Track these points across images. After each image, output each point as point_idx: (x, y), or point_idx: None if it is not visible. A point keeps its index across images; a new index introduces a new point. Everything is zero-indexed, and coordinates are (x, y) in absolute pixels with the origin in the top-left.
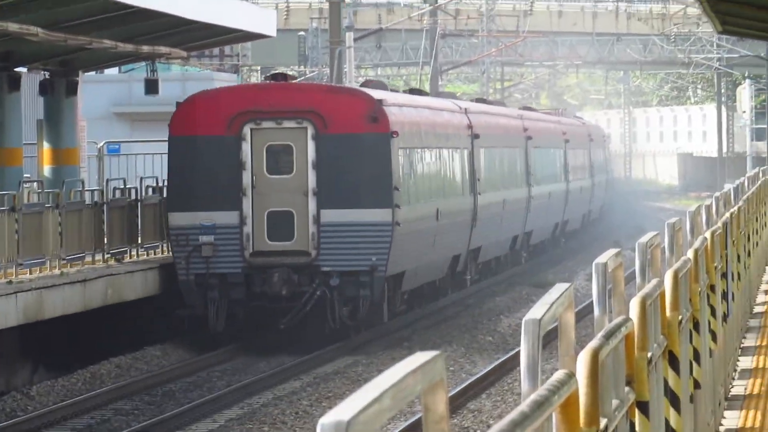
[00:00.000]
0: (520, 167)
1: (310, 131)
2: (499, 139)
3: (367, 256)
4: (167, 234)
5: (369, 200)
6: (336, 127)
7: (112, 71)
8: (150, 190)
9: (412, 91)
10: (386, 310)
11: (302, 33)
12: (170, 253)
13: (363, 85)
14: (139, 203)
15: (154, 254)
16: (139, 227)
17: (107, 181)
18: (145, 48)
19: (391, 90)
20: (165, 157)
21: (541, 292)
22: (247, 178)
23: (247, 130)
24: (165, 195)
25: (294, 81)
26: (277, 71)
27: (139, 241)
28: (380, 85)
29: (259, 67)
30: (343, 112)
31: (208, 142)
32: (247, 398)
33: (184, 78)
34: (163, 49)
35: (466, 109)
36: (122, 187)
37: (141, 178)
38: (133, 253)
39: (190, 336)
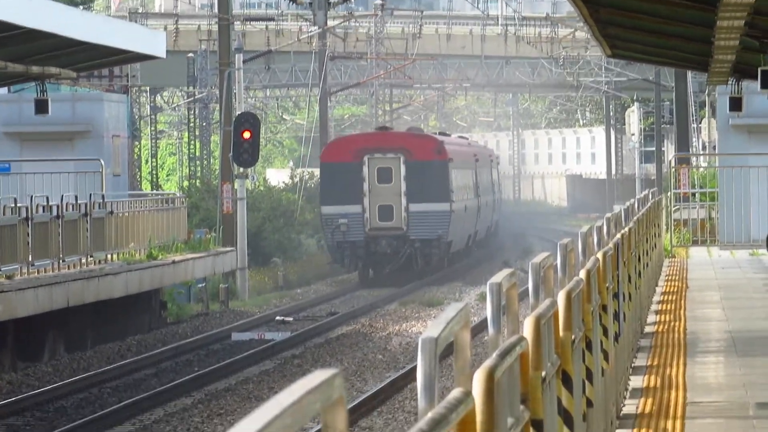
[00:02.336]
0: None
1: (402, 159)
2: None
3: (436, 230)
4: (321, 218)
5: (436, 197)
6: (417, 157)
7: (1, 91)
8: (41, 208)
9: (440, 134)
10: (446, 262)
11: (191, 54)
12: (59, 270)
13: (440, 133)
14: (30, 221)
15: (45, 272)
16: (30, 245)
17: None
18: (35, 68)
19: (440, 133)
20: (55, 177)
21: (431, 311)
22: (366, 186)
23: (365, 159)
24: (319, 195)
25: (391, 130)
26: (382, 125)
27: (30, 259)
28: (442, 134)
29: (148, 88)
30: (421, 148)
31: (345, 165)
32: (139, 414)
33: (74, 98)
34: (53, 70)
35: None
36: (12, 205)
37: (31, 197)
38: (24, 270)
39: (80, 353)
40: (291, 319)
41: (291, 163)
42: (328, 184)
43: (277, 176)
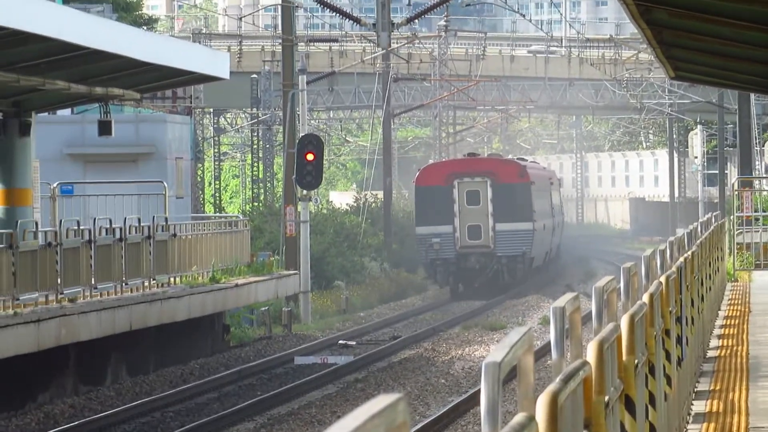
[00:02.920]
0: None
1: (489, 182)
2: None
3: (520, 247)
4: (416, 238)
5: (520, 217)
6: (503, 180)
7: (65, 112)
8: (104, 231)
9: (520, 159)
10: (525, 275)
11: (255, 76)
12: (122, 294)
13: (518, 158)
14: (92, 244)
15: (108, 295)
16: (93, 268)
17: (61, 221)
18: (99, 89)
19: (519, 158)
20: (118, 199)
21: (494, 335)
22: (456, 207)
23: (455, 182)
24: (414, 216)
25: (479, 156)
26: (472, 152)
27: (93, 282)
28: (520, 159)
29: (211, 109)
30: (506, 172)
31: (437, 189)
32: None
33: (138, 120)
34: (117, 91)
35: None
36: (76, 228)
37: (94, 219)
38: (87, 293)
39: (143, 377)
40: (354, 342)
41: (354, 186)
42: (422, 206)
43: (341, 198)
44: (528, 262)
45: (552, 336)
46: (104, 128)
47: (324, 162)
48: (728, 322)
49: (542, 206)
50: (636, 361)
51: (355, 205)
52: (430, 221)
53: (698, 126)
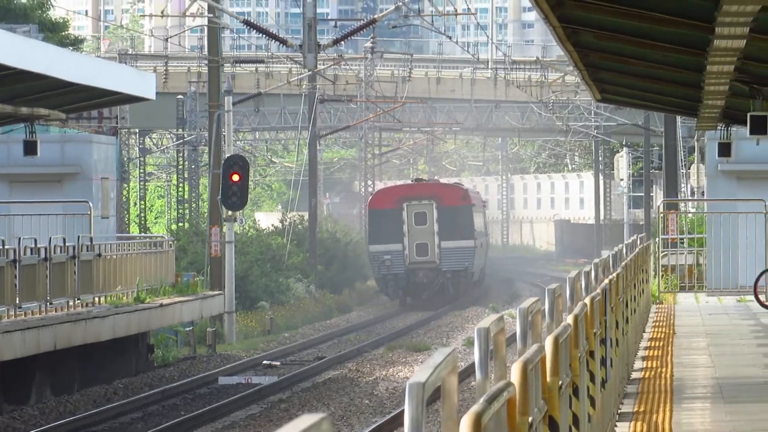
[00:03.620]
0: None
1: (434, 204)
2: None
3: (463, 263)
4: (368, 255)
5: (463, 235)
6: (446, 203)
7: None
8: (29, 250)
9: (456, 184)
10: (467, 288)
11: (181, 96)
12: (46, 313)
13: (455, 183)
14: (17, 263)
15: (32, 314)
16: (18, 287)
17: None
18: (24, 109)
19: (460, 183)
20: (43, 218)
21: (418, 356)
22: (405, 227)
23: (404, 205)
24: (367, 236)
25: (425, 181)
26: (419, 177)
27: (17, 301)
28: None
29: (137, 130)
30: (449, 195)
31: (388, 211)
32: None
33: (63, 140)
34: (42, 111)
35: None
36: (0, 247)
37: (19, 239)
38: (11, 313)
39: (67, 396)
40: (278, 363)
41: (280, 207)
42: (375, 226)
43: (267, 219)
44: (470, 276)
45: (476, 357)
46: (30, 148)
47: (250, 183)
48: (653, 344)
49: (479, 226)
50: (560, 383)
51: (281, 226)
52: (382, 240)
53: (624, 148)
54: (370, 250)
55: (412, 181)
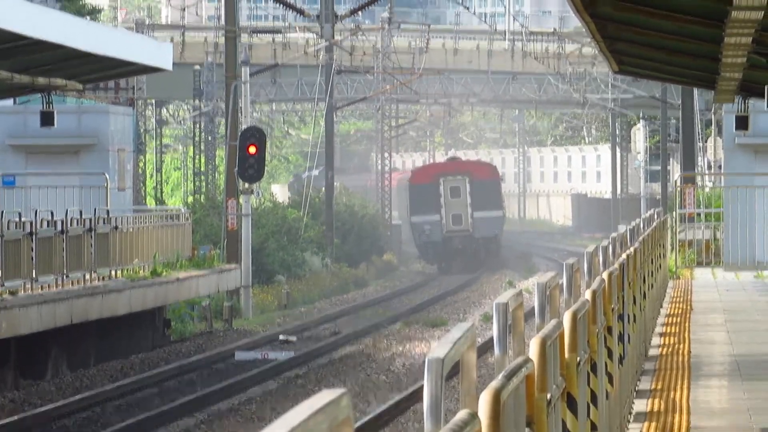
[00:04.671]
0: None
1: (467, 179)
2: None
3: (494, 230)
4: (410, 225)
5: (493, 206)
6: (479, 177)
7: (6, 102)
8: (45, 223)
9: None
10: (497, 252)
11: (197, 67)
12: (62, 287)
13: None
14: (34, 236)
15: (48, 288)
16: (34, 261)
17: (2, 213)
18: (41, 80)
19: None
20: (60, 190)
21: (435, 332)
22: (442, 200)
23: (441, 180)
24: (409, 208)
25: (459, 159)
26: (453, 156)
27: (34, 275)
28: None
29: (154, 101)
30: (480, 171)
31: (426, 186)
32: None
33: (80, 111)
34: (59, 82)
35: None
36: (17, 219)
37: (36, 211)
38: (27, 286)
39: (83, 371)
40: (294, 338)
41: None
42: (415, 200)
43: (283, 192)
44: (499, 242)
45: (495, 332)
46: (46, 119)
47: (266, 155)
48: (670, 320)
49: (504, 198)
50: (578, 359)
51: (297, 198)
52: (422, 212)
53: (641, 121)
54: (411, 221)
55: (446, 159)
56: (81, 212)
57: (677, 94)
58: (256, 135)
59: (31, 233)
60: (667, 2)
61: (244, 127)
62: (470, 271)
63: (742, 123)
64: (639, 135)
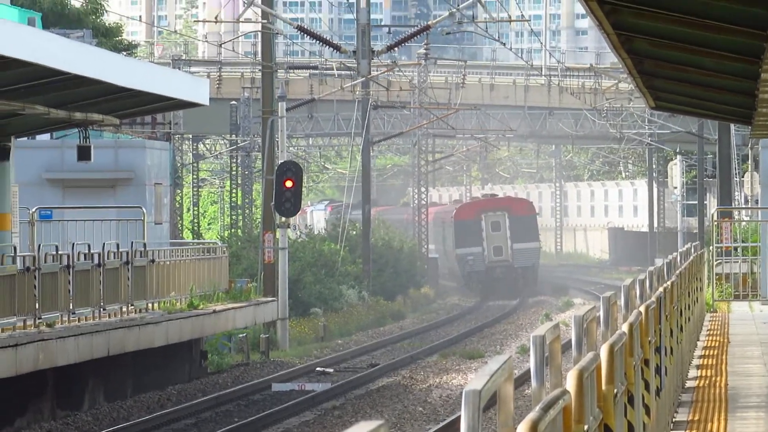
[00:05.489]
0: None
1: (507, 215)
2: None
3: (531, 260)
4: (456, 257)
5: (530, 238)
6: (517, 213)
7: (44, 137)
8: (82, 256)
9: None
10: (534, 280)
11: (234, 102)
12: (99, 319)
13: (491, 195)
14: (71, 269)
15: (86, 320)
16: (71, 293)
17: (39, 246)
18: (78, 115)
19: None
20: (97, 224)
21: (471, 364)
22: (484, 233)
23: (482, 215)
24: (454, 242)
25: (497, 196)
26: (491, 192)
27: (71, 307)
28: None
29: (191, 135)
30: (518, 206)
31: (470, 222)
32: None
33: (117, 145)
34: (96, 116)
35: None
36: (54, 252)
37: (73, 244)
38: (65, 318)
39: (120, 402)
40: (332, 370)
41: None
42: (460, 233)
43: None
44: (536, 270)
45: (532, 364)
46: (83, 153)
47: (303, 189)
48: (707, 353)
49: (539, 231)
50: (615, 391)
51: (334, 232)
52: (466, 244)
53: (678, 156)
54: (456, 253)
55: (485, 197)
56: (118, 245)
57: (714, 129)
58: (293, 169)
59: (68, 266)
60: (703, 39)
61: (280, 161)
62: (510, 298)
63: None
64: (676, 170)
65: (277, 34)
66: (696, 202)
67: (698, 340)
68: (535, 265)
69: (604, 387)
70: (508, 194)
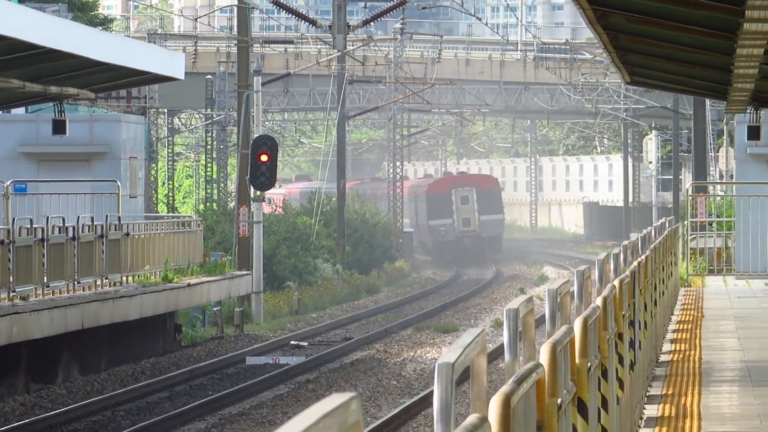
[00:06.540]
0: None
1: (474, 190)
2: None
3: (497, 230)
4: (428, 228)
5: (495, 211)
6: (483, 188)
7: (19, 110)
8: (57, 229)
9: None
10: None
11: (210, 76)
12: (74, 292)
13: (460, 172)
14: (45, 242)
15: (60, 293)
16: (46, 266)
17: (14, 219)
18: (53, 88)
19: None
20: (71, 197)
21: (446, 338)
22: (454, 206)
23: (453, 191)
24: (427, 213)
25: (466, 173)
26: (461, 171)
27: (45, 280)
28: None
29: (166, 110)
30: (485, 183)
31: (441, 195)
32: None
33: (92, 119)
34: (71, 90)
35: None
36: (29, 226)
37: (47, 218)
38: (39, 292)
39: (94, 376)
40: (306, 343)
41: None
42: (432, 207)
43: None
44: (501, 239)
45: (505, 338)
46: (58, 127)
47: (278, 163)
48: (681, 327)
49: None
50: (589, 364)
51: (308, 205)
52: (438, 216)
53: (653, 131)
54: (429, 224)
55: (457, 173)
56: (93, 218)
57: (689, 104)
58: (268, 143)
59: (42, 239)
60: (679, 14)
61: (256, 135)
62: (478, 264)
63: (754, 133)
64: (651, 145)
65: (253, 8)
66: (671, 177)
67: (672, 314)
68: (500, 235)
69: (577, 360)
70: (483, 169)
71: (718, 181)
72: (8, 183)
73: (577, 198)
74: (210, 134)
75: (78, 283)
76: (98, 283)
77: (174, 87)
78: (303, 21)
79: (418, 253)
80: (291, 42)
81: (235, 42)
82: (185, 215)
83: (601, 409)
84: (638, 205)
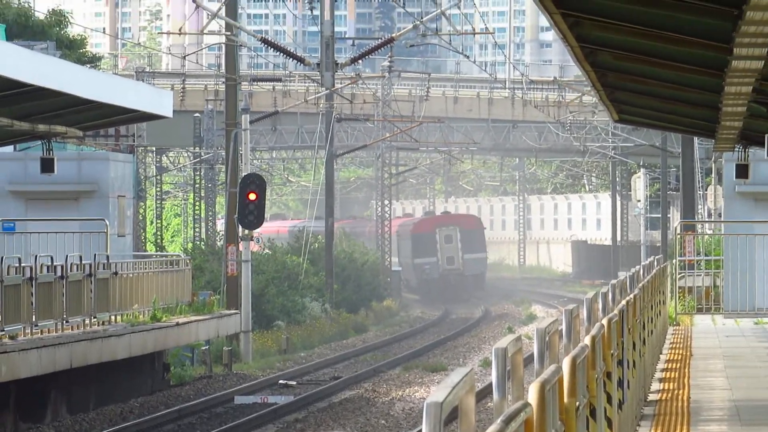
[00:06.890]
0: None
1: (458, 229)
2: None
3: (480, 269)
4: (413, 266)
5: (478, 249)
6: (467, 227)
7: (7, 149)
8: (45, 268)
9: (444, 213)
10: (482, 286)
11: (198, 114)
12: (62, 331)
13: (444, 212)
14: (34, 281)
15: (48, 332)
16: (34, 305)
17: (2, 258)
18: (41, 127)
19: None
20: (60, 236)
21: (434, 377)
22: (438, 245)
23: (437, 230)
24: (412, 252)
25: (450, 214)
26: (445, 211)
27: (33, 319)
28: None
29: (154, 148)
30: (468, 222)
31: (426, 235)
32: None
33: (80, 157)
34: (60, 128)
35: None
36: (17, 265)
37: (36, 256)
38: (27, 331)
39: (82, 415)
40: (294, 382)
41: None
42: (417, 245)
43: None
44: (483, 277)
45: (494, 377)
46: (47, 166)
47: (266, 202)
48: (670, 366)
49: (486, 244)
50: (577, 404)
51: (296, 244)
52: (423, 254)
53: (641, 169)
54: (414, 262)
55: (441, 213)
56: (81, 257)
57: (677, 142)
58: (256, 182)
59: (31, 278)
60: (668, 52)
61: (244, 173)
62: (462, 302)
63: (742, 171)
64: (639, 183)
65: (241, 46)
66: (659, 215)
67: (661, 353)
68: (483, 273)
69: (566, 400)
70: (471, 207)
71: (707, 219)
72: None
73: (565, 236)
74: (198, 173)
75: (66, 322)
76: (87, 322)
77: (162, 125)
78: (291, 59)
79: (404, 291)
80: (279, 80)
81: (223, 80)
82: (173, 254)
83: None
84: (627, 243)
